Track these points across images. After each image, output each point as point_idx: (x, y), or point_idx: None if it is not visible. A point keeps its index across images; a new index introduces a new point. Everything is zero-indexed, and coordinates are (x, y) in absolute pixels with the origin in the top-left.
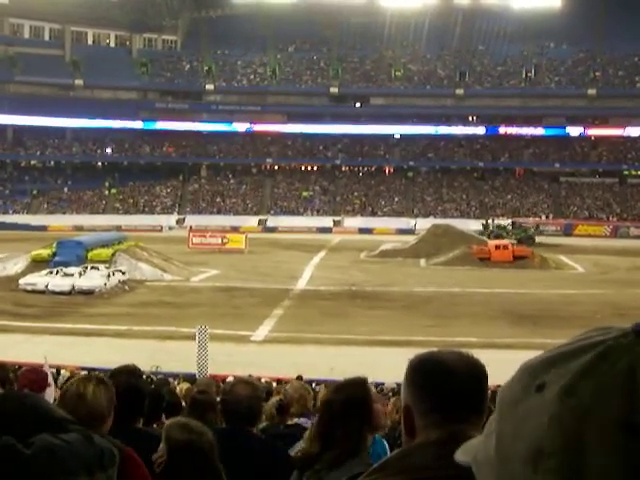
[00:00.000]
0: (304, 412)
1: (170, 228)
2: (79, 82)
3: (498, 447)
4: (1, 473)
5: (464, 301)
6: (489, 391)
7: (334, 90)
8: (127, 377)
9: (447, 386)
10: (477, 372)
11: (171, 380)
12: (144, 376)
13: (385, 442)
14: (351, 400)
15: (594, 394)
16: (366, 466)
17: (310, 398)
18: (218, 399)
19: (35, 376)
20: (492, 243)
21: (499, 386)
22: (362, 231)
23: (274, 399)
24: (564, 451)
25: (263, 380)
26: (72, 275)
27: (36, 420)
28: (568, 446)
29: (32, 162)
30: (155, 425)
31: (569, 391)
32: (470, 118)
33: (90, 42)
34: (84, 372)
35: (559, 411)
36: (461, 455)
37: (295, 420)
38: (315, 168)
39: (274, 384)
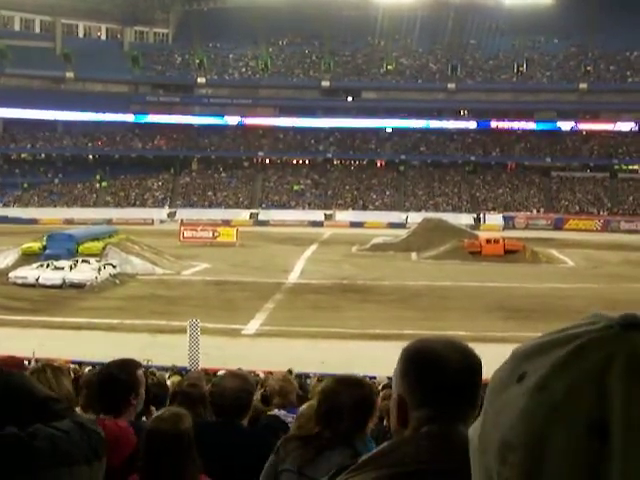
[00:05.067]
0: (285, 404)
1: (161, 221)
2: (70, 75)
3: (481, 435)
4: (7, 463)
5: (455, 295)
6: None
7: (326, 84)
8: (116, 370)
9: (440, 380)
10: (471, 363)
11: (162, 373)
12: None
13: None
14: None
15: (566, 391)
16: (352, 458)
17: (292, 390)
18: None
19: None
20: (483, 237)
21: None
22: (353, 225)
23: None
24: (528, 446)
25: (261, 375)
26: (63, 268)
27: (21, 399)
28: (533, 442)
29: (22, 155)
30: (144, 417)
31: (542, 385)
32: (462, 112)
33: (81, 35)
34: (74, 366)
35: (529, 405)
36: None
37: (275, 412)
38: (307, 162)
39: (261, 374)
